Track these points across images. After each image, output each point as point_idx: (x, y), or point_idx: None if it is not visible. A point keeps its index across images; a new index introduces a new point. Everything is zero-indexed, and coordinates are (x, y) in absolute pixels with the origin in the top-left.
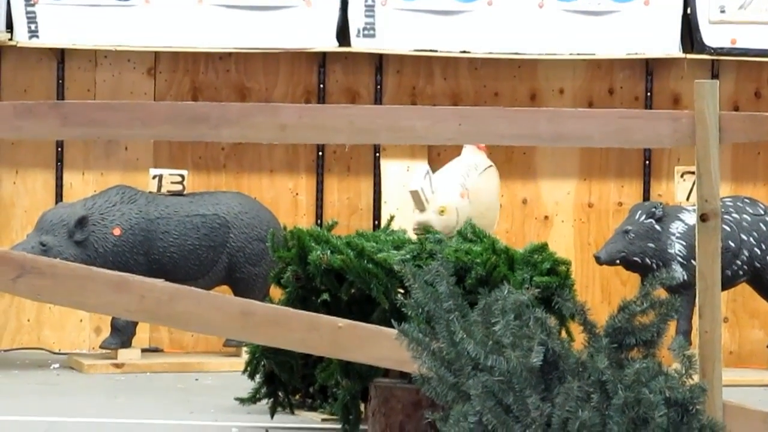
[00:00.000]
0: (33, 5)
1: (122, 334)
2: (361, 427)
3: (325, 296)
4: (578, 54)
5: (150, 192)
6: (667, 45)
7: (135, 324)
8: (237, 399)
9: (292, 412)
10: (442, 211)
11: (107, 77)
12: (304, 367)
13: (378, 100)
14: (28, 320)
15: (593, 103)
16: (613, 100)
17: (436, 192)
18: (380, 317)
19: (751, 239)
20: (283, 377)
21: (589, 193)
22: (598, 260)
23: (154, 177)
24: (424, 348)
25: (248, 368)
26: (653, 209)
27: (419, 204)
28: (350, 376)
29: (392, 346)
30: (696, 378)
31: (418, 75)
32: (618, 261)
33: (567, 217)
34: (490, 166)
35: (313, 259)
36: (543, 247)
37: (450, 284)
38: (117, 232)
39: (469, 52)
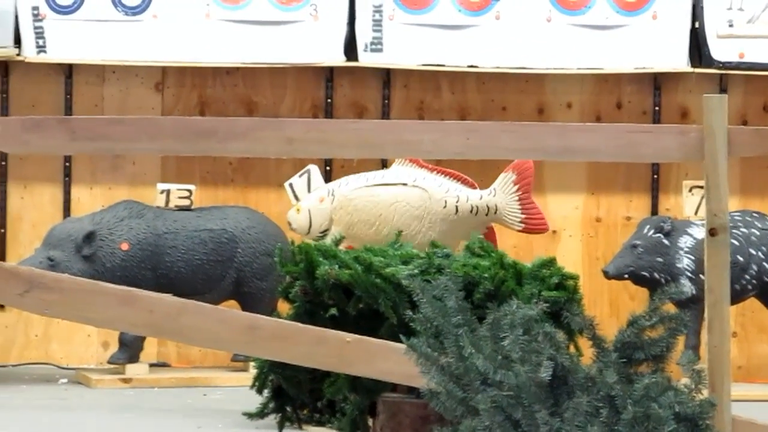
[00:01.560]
0: (41, 20)
1: (130, 348)
2: None
3: (333, 311)
4: (586, 68)
5: (157, 207)
6: (675, 59)
7: (142, 339)
8: (245, 414)
9: (300, 427)
10: (298, 210)
11: (115, 92)
12: (311, 381)
13: (385, 114)
14: (36, 335)
15: (601, 117)
16: (621, 115)
17: (310, 192)
18: (388, 332)
19: (760, 253)
20: (290, 392)
21: (597, 208)
22: (607, 275)
23: (161, 192)
24: (433, 363)
25: (256, 383)
26: (661, 223)
27: (291, 198)
28: (358, 390)
29: (400, 361)
30: (705, 393)
31: (425, 89)
32: (626, 275)
33: (575, 232)
34: (404, 183)
35: (321, 274)
36: (551, 262)
37: (458, 299)
38: (125, 246)
39: (476, 67)
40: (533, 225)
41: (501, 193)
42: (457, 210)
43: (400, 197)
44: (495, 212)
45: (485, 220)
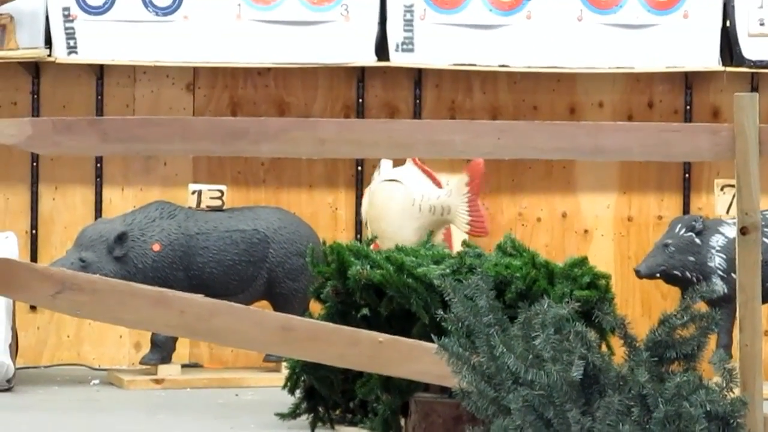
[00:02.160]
0: (72, 21)
1: (162, 349)
2: None
3: (365, 311)
4: (617, 67)
5: (189, 207)
6: (707, 58)
7: (175, 339)
8: (277, 414)
9: (333, 428)
10: None
11: (146, 93)
12: (344, 382)
13: (417, 114)
14: (68, 336)
15: (632, 116)
16: (653, 114)
17: None
18: (420, 332)
19: None
20: (323, 392)
21: (629, 207)
22: (638, 274)
23: (193, 192)
24: (464, 362)
25: (288, 383)
26: (693, 223)
27: None
28: (390, 391)
29: (432, 361)
30: (737, 391)
31: (456, 89)
32: (658, 274)
33: (607, 231)
34: (394, 180)
35: (353, 274)
36: (583, 261)
37: (490, 298)
38: (156, 247)
39: (507, 66)
40: (476, 228)
41: (455, 195)
42: (420, 208)
43: (392, 193)
44: (449, 213)
45: (442, 220)
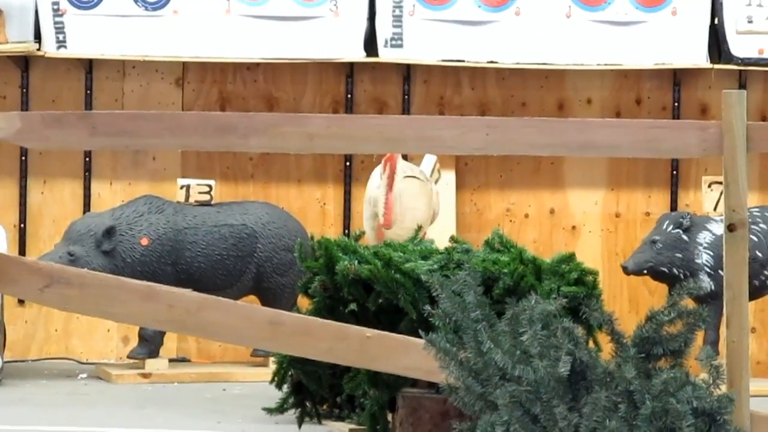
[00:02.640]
0: (61, 15)
1: (150, 344)
2: None
3: (353, 306)
4: (606, 64)
5: (178, 202)
6: (695, 55)
7: (163, 334)
8: (265, 409)
9: (320, 422)
10: None
11: (135, 87)
12: (331, 377)
13: (406, 110)
14: (56, 330)
15: (621, 113)
16: (641, 110)
17: None
18: (408, 327)
19: None
20: (310, 387)
21: (617, 203)
22: (626, 270)
23: (181, 187)
24: (452, 358)
25: (276, 378)
26: (681, 219)
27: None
28: (378, 386)
29: (420, 356)
30: (723, 388)
31: (445, 85)
32: (645, 271)
33: (594, 227)
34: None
35: (341, 269)
36: (570, 257)
37: (477, 294)
38: (145, 242)
39: (496, 62)
40: (385, 219)
41: (381, 187)
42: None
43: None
44: (375, 205)
45: (374, 213)
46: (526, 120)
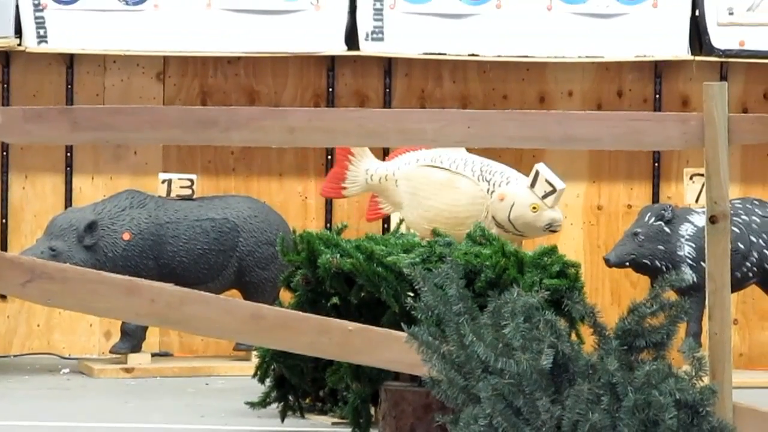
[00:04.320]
0: (42, 10)
1: (132, 338)
2: (372, 430)
3: (335, 300)
4: (587, 56)
5: (159, 196)
6: (676, 47)
7: (145, 328)
8: (247, 403)
9: (303, 416)
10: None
11: (116, 82)
12: (314, 370)
13: (387, 103)
14: (38, 325)
15: (602, 105)
16: (622, 103)
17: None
18: (390, 320)
19: (761, 241)
20: (293, 381)
21: (599, 196)
22: (608, 263)
23: (163, 181)
24: (434, 351)
25: (258, 372)
26: (662, 211)
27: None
28: (360, 379)
29: (402, 350)
30: (706, 380)
31: (426, 78)
32: (628, 263)
33: (576, 220)
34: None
35: (323, 263)
36: (552, 250)
37: (460, 287)
38: (126, 236)
39: (477, 55)
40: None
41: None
42: None
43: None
44: None
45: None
46: (507, 113)
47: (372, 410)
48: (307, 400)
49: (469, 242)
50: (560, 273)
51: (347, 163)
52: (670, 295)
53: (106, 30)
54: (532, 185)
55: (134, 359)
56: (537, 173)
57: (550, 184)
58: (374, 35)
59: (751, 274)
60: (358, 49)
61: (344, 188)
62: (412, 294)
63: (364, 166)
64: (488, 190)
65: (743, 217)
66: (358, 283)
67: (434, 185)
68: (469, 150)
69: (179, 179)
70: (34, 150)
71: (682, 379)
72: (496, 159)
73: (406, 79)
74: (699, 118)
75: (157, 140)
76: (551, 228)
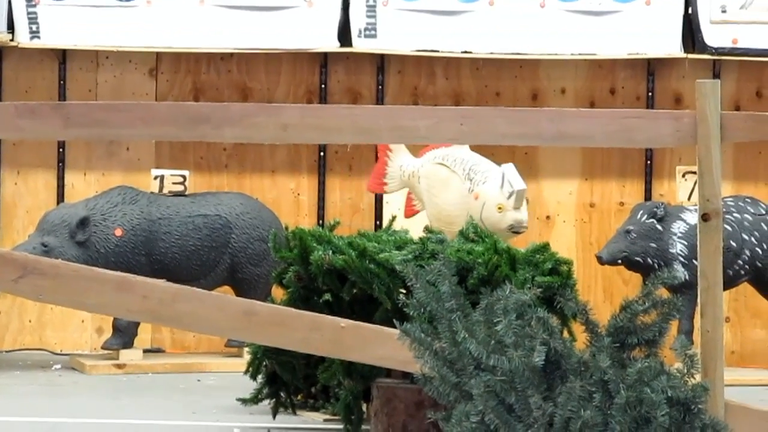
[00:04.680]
0: (34, 6)
1: (124, 334)
2: (364, 427)
3: (328, 296)
4: (580, 54)
5: (152, 192)
6: (669, 45)
7: (137, 324)
8: (239, 399)
9: (294, 413)
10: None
11: (109, 78)
12: (306, 367)
13: (380, 100)
14: (30, 321)
15: (595, 103)
16: (615, 100)
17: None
18: (382, 317)
19: (753, 239)
20: (285, 377)
21: (591, 193)
22: (600, 260)
23: (155, 177)
24: (427, 348)
25: (250, 368)
26: (655, 209)
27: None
28: (352, 376)
29: (394, 346)
30: (698, 377)
31: (419, 75)
32: (620, 261)
33: (569, 217)
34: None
35: (315, 260)
36: (545, 247)
37: (452, 284)
38: (119, 232)
39: (470, 52)
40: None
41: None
42: None
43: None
44: None
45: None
46: (500, 110)
47: (364, 407)
48: (299, 397)
49: (461, 239)
50: (552, 270)
51: (386, 159)
52: (663, 293)
53: (99, 26)
54: (502, 185)
55: (126, 355)
56: (503, 174)
57: (511, 185)
58: (367, 32)
59: (743, 272)
60: (351, 45)
61: (385, 184)
62: (404, 291)
63: (398, 163)
64: (469, 189)
65: (735, 214)
66: (350, 279)
67: (440, 183)
68: (471, 148)
69: (171, 175)
70: (27, 146)
71: (674, 376)
72: (489, 156)
73: (399, 76)
74: (692, 116)
75: (149, 136)
76: (514, 229)
